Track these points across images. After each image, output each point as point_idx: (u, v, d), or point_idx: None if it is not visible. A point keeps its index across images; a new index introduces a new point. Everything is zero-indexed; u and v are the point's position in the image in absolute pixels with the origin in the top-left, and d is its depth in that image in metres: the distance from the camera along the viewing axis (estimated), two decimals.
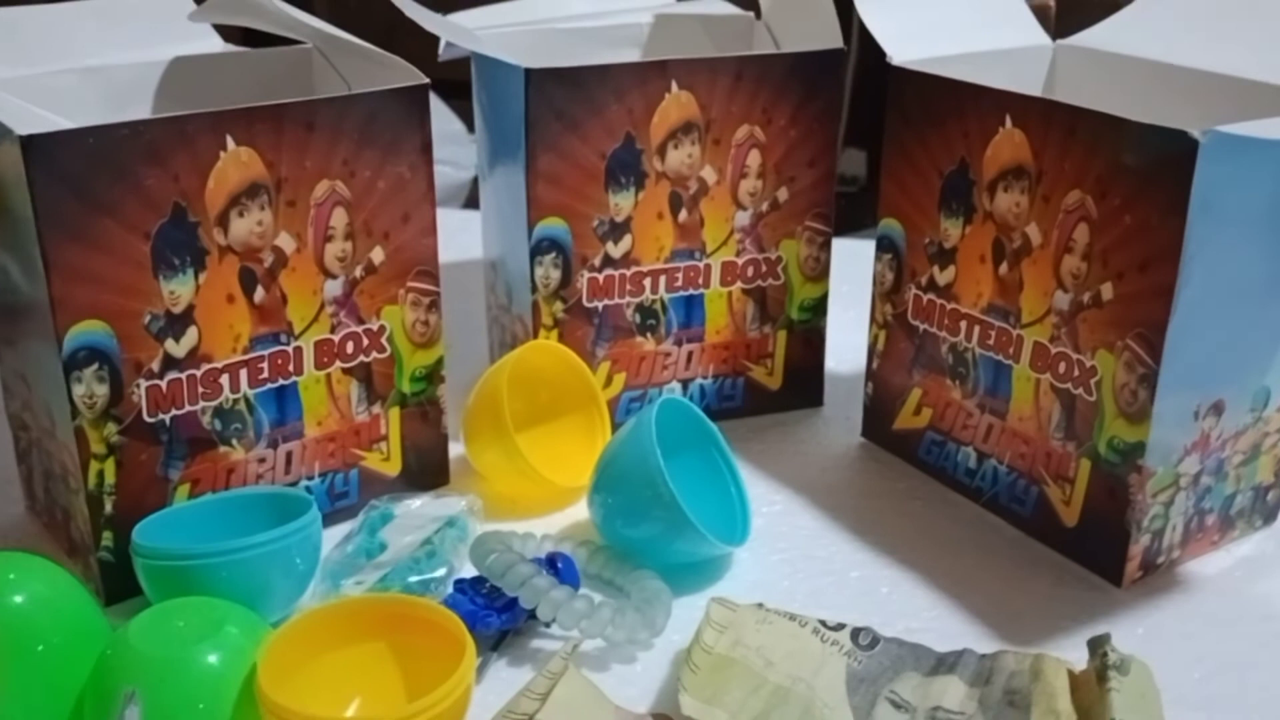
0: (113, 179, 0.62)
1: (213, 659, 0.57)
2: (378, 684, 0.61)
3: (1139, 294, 0.67)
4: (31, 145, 0.60)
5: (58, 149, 0.60)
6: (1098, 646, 0.61)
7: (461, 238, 1.04)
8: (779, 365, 0.91)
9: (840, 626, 0.66)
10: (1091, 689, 0.60)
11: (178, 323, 0.66)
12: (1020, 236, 0.73)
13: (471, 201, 1.94)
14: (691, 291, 0.86)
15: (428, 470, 0.80)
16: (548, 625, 0.66)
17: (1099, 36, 0.85)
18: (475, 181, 2.10)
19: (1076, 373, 0.71)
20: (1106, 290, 0.68)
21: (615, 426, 0.83)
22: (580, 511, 0.78)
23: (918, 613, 0.70)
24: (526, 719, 0.56)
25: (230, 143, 0.65)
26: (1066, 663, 0.62)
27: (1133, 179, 0.65)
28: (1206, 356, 0.68)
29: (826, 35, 0.83)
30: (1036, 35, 0.86)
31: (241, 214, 0.67)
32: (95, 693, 0.57)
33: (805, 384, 0.92)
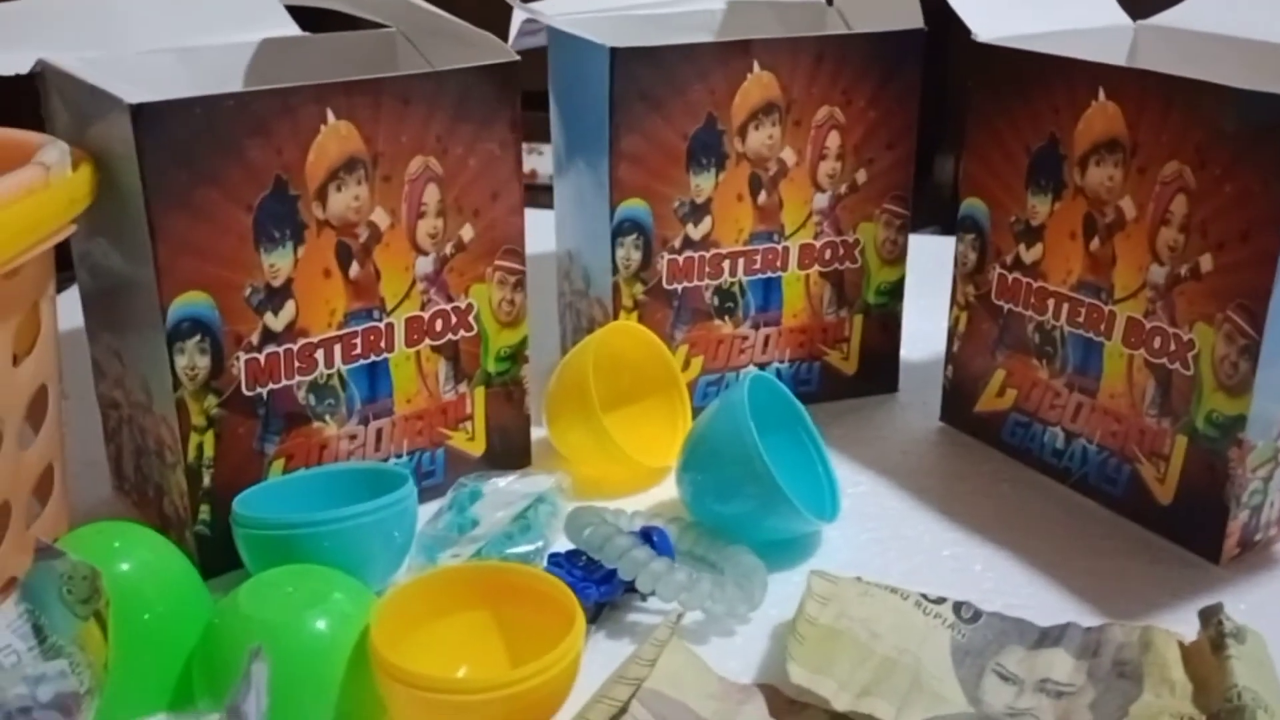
0: (218, 150, 0.62)
1: (322, 624, 0.56)
2: (484, 652, 0.60)
3: (1240, 264, 0.66)
4: (141, 114, 0.60)
5: (166, 118, 0.61)
6: (1211, 616, 0.60)
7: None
8: (855, 350, 0.91)
9: (942, 600, 0.65)
10: (1205, 659, 0.59)
11: (277, 296, 0.66)
12: (1113, 210, 0.72)
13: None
14: (769, 274, 0.86)
15: (511, 451, 0.80)
16: (645, 598, 0.66)
17: (1180, 16, 0.84)
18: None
19: (1173, 347, 0.71)
20: (1206, 261, 0.68)
21: (694, 411, 0.83)
22: (664, 492, 0.78)
23: (1015, 590, 0.70)
24: (636, 684, 0.56)
25: (330, 116, 0.65)
26: (1176, 634, 0.61)
27: (1233, 146, 0.65)
28: None
29: (905, 16, 0.83)
30: (1116, 14, 0.85)
31: (339, 188, 0.67)
32: (206, 660, 0.57)
33: (881, 369, 0.92)
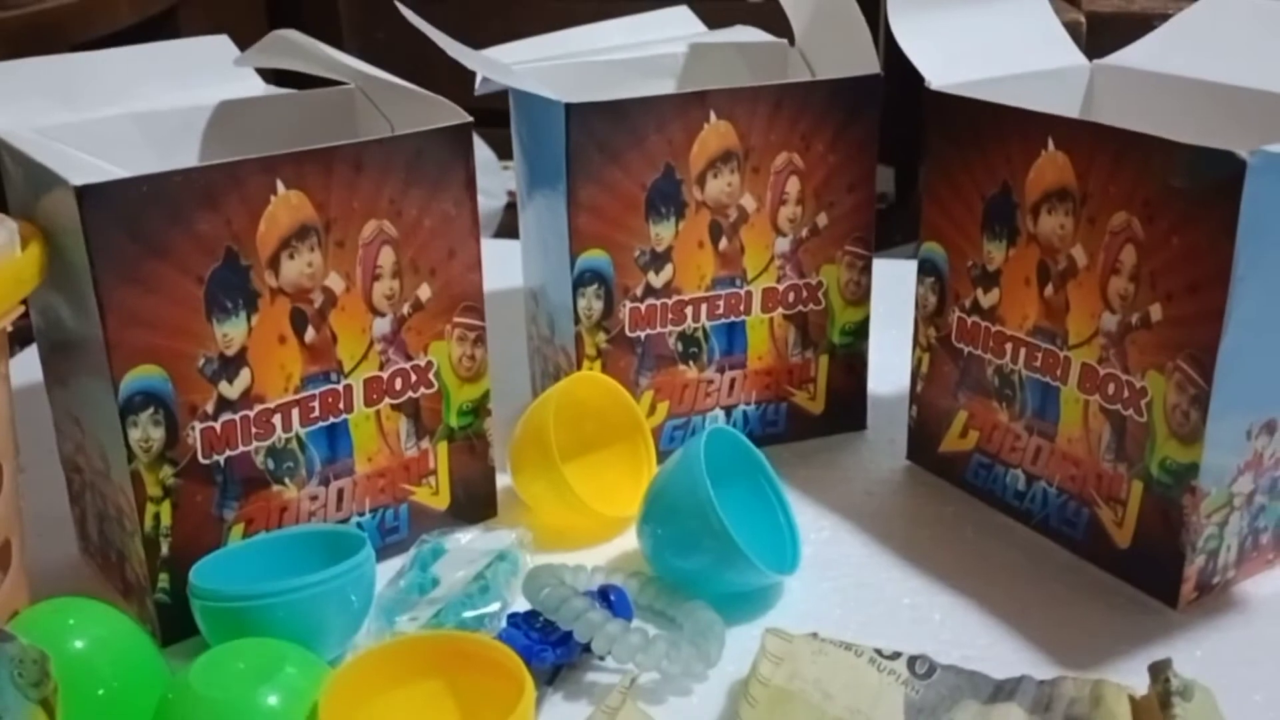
0: (167, 224, 0.63)
1: (273, 700, 0.57)
2: None
3: (1189, 316, 0.66)
4: (86, 195, 0.60)
5: (112, 197, 0.61)
6: (1159, 672, 0.60)
7: (499, 267, 1.04)
8: (821, 390, 0.91)
9: (896, 655, 0.65)
10: (1154, 715, 0.59)
11: (231, 365, 0.67)
12: (1065, 259, 0.73)
13: (504, 230, 1.96)
14: (733, 319, 0.86)
15: (476, 503, 0.80)
16: (602, 659, 0.66)
17: (1136, 56, 0.84)
18: (507, 209, 2.12)
19: (1126, 394, 0.71)
20: (1155, 311, 0.68)
21: (660, 456, 0.83)
22: (628, 542, 0.78)
23: (973, 640, 0.70)
24: None
25: (280, 186, 0.66)
26: (1127, 688, 0.62)
27: (1180, 201, 0.65)
28: (1259, 376, 0.68)
29: (863, 61, 0.84)
30: (1073, 56, 0.86)
31: (292, 256, 0.67)
32: None
33: (848, 408, 0.92)
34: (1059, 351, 0.75)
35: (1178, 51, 0.82)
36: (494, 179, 1.96)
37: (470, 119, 0.72)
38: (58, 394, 0.74)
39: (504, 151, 2.17)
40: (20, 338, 0.89)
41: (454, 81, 0.86)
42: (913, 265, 0.84)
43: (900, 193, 2.43)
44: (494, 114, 0.88)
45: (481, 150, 1.98)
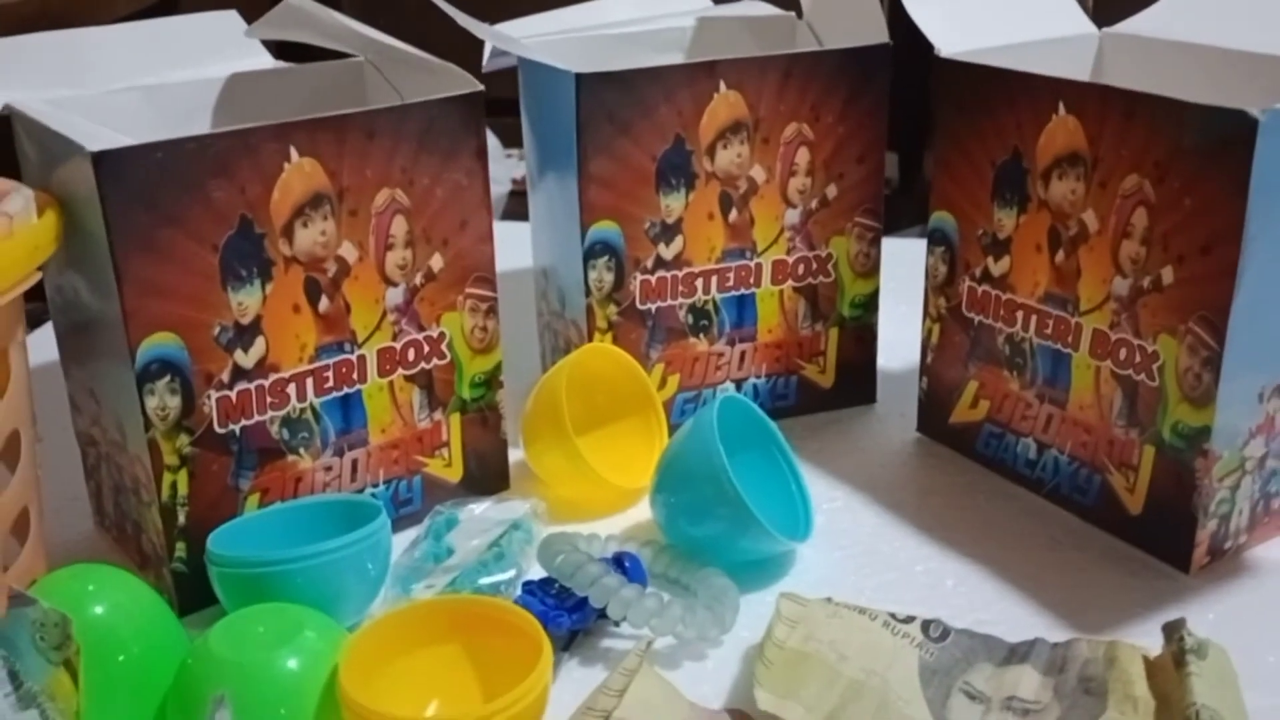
0: (181, 192, 0.63)
1: (293, 663, 0.57)
2: (455, 685, 0.61)
3: (1201, 277, 0.66)
4: (103, 161, 0.61)
5: (128, 164, 0.61)
6: (1173, 631, 0.60)
7: (504, 249, 1.04)
8: (831, 363, 0.91)
9: (910, 619, 0.66)
10: (1169, 674, 0.59)
11: (246, 333, 0.67)
12: (1076, 224, 0.73)
13: (508, 215, 1.96)
14: (743, 291, 0.87)
15: (489, 475, 0.80)
16: (618, 624, 0.66)
17: (1145, 23, 0.84)
18: (511, 195, 2.12)
19: (1138, 358, 0.71)
20: (1167, 274, 0.68)
21: (671, 429, 0.84)
22: (641, 513, 0.79)
23: (986, 605, 0.70)
24: (605, 715, 0.57)
25: (294, 154, 0.66)
26: (1141, 648, 0.62)
27: (1192, 161, 0.65)
28: (1270, 338, 0.68)
29: (872, 31, 0.84)
30: (1082, 24, 0.86)
31: (305, 224, 0.67)
32: (178, 701, 0.58)
33: (858, 381, 0.92)
34: (1070, 318, 0.75)
35: (1186, 18, 0.82)
36: (499, 166, 1.96)
37: (481, 88, 0.72)
38: (74, 371, 0.74)
39: (509, 139, 2.17)
40: (32, 320, 0.90)
41: (464, 63, 0.86)
42: (921, 243, 0.84)
43: (904, 179, 2.43)
44: (499, 102, 0.89)
45: (487, 137, 1.98)
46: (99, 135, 0.64)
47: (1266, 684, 0.63)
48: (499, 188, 1.97)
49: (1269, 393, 0.70)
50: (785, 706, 0.59)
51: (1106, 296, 0.72)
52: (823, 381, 0.91)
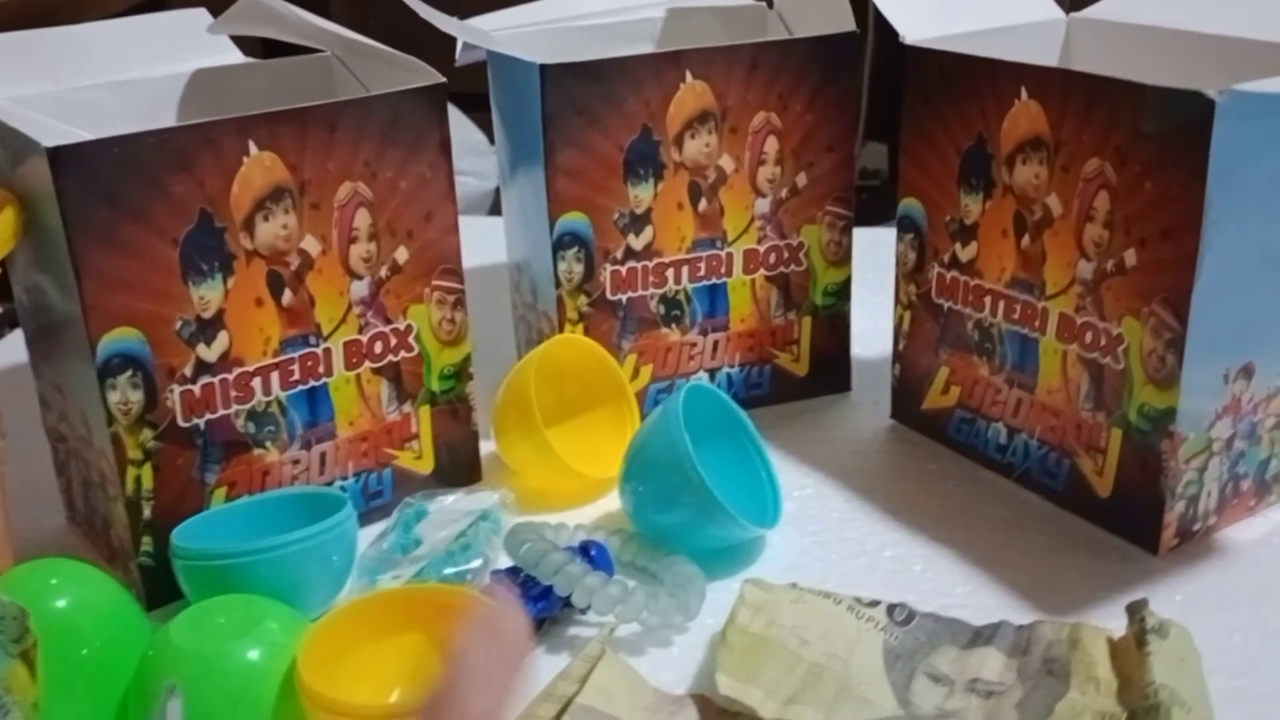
0: (141, 186, 0.63)
1: (253, 654, 0.57)
2: (418, 674, 0.61)
3: (1163, 261, 0.66)
4: (59, 156, 0.61)
5: (85, 159, 0.62)
6: (1135, 612, 0.61)
7: (487, 243, 1.05)
8: (805, 351, 0.91)
9: (875, 603, 0.66)
10: (1131, 655, 0.59)
11: (209, 327, 0.67)
12: (1041, 208, 0.73)
13: (495, 211, 1.96)
14: (714, 281, 0.87)
15: (460, 467, 0.81)
16: (583, 612, 0.66)
17: (1113, 8, 0.84)
18: (498, 191, 2.12)
19: (1104, 341, 0.71)
20: (1130, 257, 0.68)
21: (643, 419, 0.84)
22: (612, 503, 0.79)
23: (952, 589, 0.70)
24: (565, 701, 0.57)
25: (253, 147, 0.66)
26: (1105, 630, 0.62)
27: (1151, 145, 0.65)
28: (1234, 319, 0.68)
29: (839, 19, 0.84)
30: (1050, 9, 0.85)
31: (266, 218, 0.68)
32: (138, 692, 0.58)
33: (832, 369, 0.92)
34: (1037, 302, 0.75)
35: (1154, 3, 0.82)
36: (485, 161, 1.96)
37: (443, 80, 0.72)
38: (43, 369, 0.74)
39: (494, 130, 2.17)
40: (8, 320, 0.90)
41: (441, 60, 0.86)
42: (894, 232, 0.84)
43: (894, 170, 2.43)
44: (485, 99, 0.89)
45: (473, 134, 1.98)
46: (61, 131, 0.64)
47: (1233, 666, 0.63)
48: (485, 183, 1.97)
49: (1234, 374, 0.70)
50: (746, 691, 0.59)
51: (1071, 280, 0.72)
52: (797, 370, 0.92)
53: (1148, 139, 0.65)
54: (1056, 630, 0.63)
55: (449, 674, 0.32)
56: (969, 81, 0.75)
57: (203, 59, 0.80)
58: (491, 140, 2.07)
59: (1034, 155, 0.72)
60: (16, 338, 0.81)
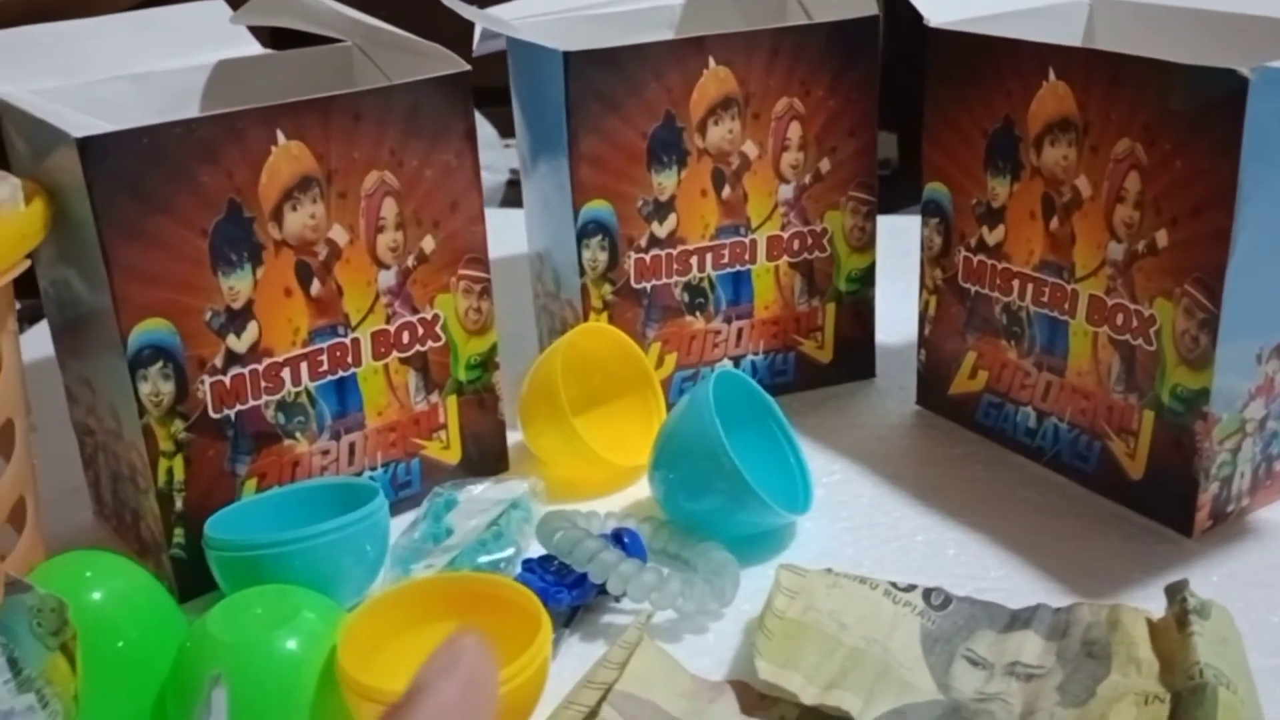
0: (168, 178, 0.63)
1: (291, 644, 0.57)
2: None
3: (1195, 239, 0.66)
4: (88, 147, 0.60)
5: (113, 150, 0.61)
6: (1176, 592, 0.60)
7: (502, 235, 1.04)
8: (829, 338, 0.91)
9: (911, 588, 0.65)
10: (1171, 636, 0.59)
11: (238, 318, 0.67)
12: (1070, 190, 0.72)
13: (507, 203, 1.96)
14: (738, 268, 0.86)
15: (487, 457, 0.80)
16: (618, 599, 0.66)
17: None
18: (508, 185, 2.12)
19: (1135, 323, 0.71)
20: (1161, 237, 0.68)
21: (669, 407, 0.83)
22: (640, 491, 0.78)
23: (986, 573, 0.70)
24: (605, 689, 0.57)
25: (280, 137, 0.66)
26: (1145, 611, 0.62)
27: (1182, 123, 0.65)
28: (1267, 298, 0.67)
29: (859, 3, 0.83)
30: None
31: (295, 208, 0.67)
32: (176, 684, 0.58)
33: (857, 355, 0.92)
34: (1066, 285, 0.74)
35: None
36: (497, 155, 1.96)
37: (468, 67, 0.72)
38: (69, 363, 0.74)
39: (505, 130, 2.17)
40: (31, 316, 0.90)
41: (457, 51, 0.86)
42: (916, 219, 0.84)
43: (904, 159, 2.42)
44: (496, 92, 0.89)
45: (484, 127, 1.98)
46: (86, 123, 0.64)
47: (1271, 645, 0.62)
48: (497, 176, 1.96)
49: (1268, 354, 0.69)
50: (785, 676, 0.58)
51: (1101, 262, 0.72)
52: (821, 357, 0.91)
53: (1177, 117, 0.65)
54: (1095, 613, 0.62)
55: (408, 707, 0.29)
56: (994, 64, 0.75)
57: (219, 51, 0.80)
58: (502, 134, 2.07)
59: (1062, 137, 0.72)
60: (38, 332, 0.81)
